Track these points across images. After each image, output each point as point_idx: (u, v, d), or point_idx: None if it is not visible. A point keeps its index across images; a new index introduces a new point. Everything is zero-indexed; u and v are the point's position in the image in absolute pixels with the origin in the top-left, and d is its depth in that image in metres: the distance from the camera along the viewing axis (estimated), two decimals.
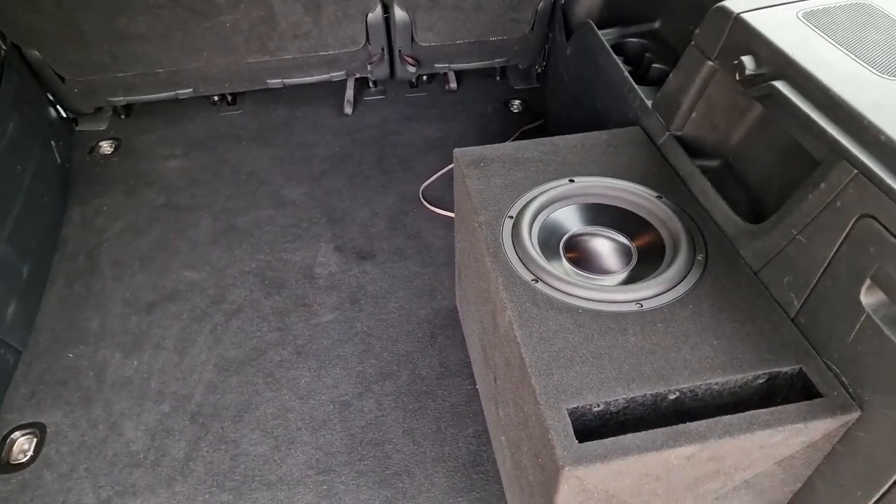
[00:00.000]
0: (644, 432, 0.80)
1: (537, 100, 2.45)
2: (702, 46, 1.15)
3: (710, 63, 1.14)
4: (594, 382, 0.86)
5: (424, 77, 2.55)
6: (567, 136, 1.32)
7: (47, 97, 2.12)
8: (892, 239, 0.75)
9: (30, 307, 1.62)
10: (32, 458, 1.34)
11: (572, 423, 0.81)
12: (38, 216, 1.78)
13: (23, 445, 1.37)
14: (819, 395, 0.84)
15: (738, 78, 1.02)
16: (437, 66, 2.40)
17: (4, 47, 1.91)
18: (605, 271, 1.08)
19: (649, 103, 1.36)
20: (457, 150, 1.29)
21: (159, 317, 1.64)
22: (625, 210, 1.16)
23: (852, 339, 0.82)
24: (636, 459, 0.78)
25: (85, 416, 1.42)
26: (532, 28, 2.31)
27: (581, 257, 1.11)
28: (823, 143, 0.87)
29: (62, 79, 2.08)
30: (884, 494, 0.80)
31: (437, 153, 2.20)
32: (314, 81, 2.36)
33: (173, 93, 2.25)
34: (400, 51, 2.31)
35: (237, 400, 1.45)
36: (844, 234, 0.83)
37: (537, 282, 1.01)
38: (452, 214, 1.95)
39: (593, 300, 0.98)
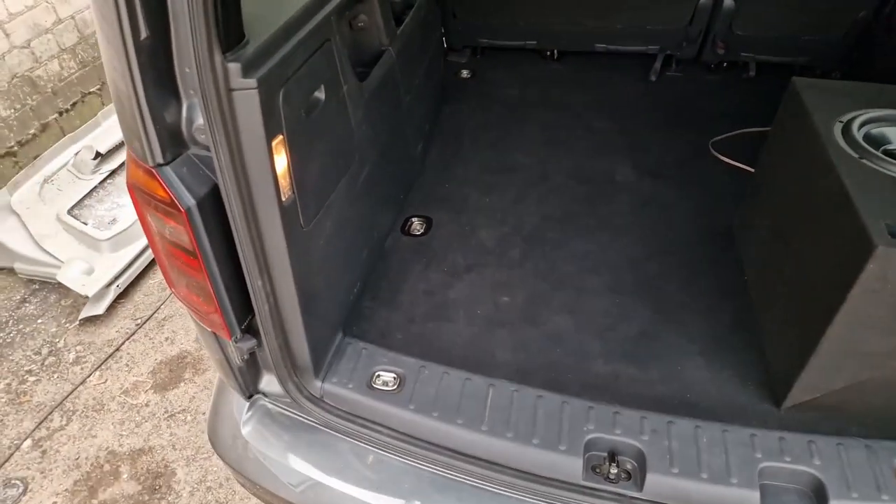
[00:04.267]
0: None
1: None
2: None
3: None
4: None
5: (724, 63, 2.77)
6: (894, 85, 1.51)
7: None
8: None
9: (426, 151, 2.26)
10: (424, 233, 1.93)
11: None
12: (435, 102, 2.44)
13: (417, 225, 1.97)
14: None
15: None
16: (742, 53, 2.62)
17: None
18: None
19: None
20: (795, 77, 1.56)
21: (502, 179, 2.16)
22: None
23: None
24: None
25: (456, 220, 1.98)
26: (846, 34, 2.42)
27: None
28: None
29: (454, 15, 2.74)
30: None
31: (725, 123, 2.42)
32: (629, 51, 2.74)
33: (522, 42, 2.81)
34: (715, 35, 2.58)
35: (554, 239, 1.89)
36: None
37: (862, 157, 1.25)
38: (739, 164, 2.19)
39: None
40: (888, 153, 1.33)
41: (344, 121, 1.40)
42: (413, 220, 1.99)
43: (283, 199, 1.13)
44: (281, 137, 1.10)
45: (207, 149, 1.03)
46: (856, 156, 1.26)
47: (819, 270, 1.23)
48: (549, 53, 2.93)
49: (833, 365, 1.21)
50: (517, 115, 2.53)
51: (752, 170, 2.14)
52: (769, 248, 1.55)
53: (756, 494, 1.16)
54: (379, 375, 1.42)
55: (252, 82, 0.98)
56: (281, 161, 1.12)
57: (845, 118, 1.39)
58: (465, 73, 2.87)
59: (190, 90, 1.00)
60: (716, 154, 2.25)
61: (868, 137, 1.35)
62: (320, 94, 1.26)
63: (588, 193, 2.08)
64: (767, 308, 1.51)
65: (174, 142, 1.03)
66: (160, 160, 1.02)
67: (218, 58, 0.93)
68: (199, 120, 1.02)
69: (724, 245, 1.83)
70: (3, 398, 2.57)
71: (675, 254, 1.81)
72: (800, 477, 1.19)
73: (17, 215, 3.01)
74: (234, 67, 0.96)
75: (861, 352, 1.17)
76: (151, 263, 3.12)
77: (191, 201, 1.04)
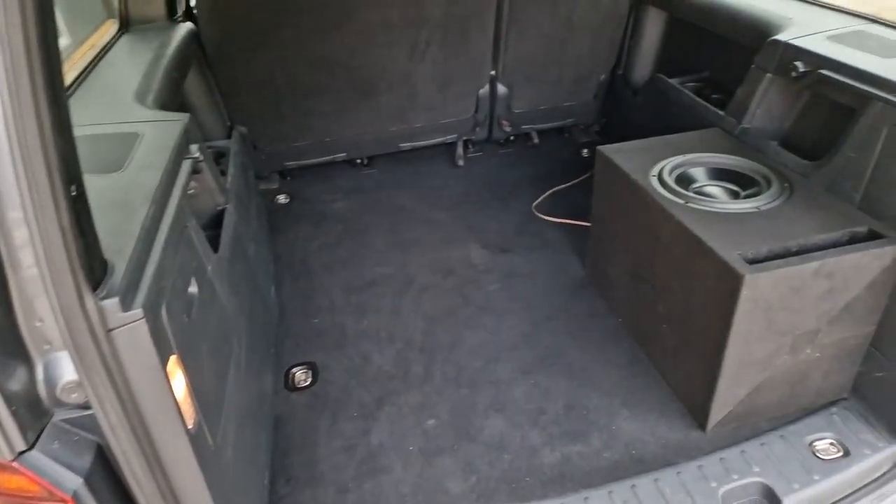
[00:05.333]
0: (785, 258, 1.26)
1: None
2: (761, 66, 1.72)
3: (768, 75, 1.71)
4: (747, 242, 1.33)
5: (512, 137, 3.15)
6: (671, 135, 1.86)
7: None
8: None
9: (277, 292, 2.09)
10: (313, 382, 1.75)
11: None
12: (269, 238, 2.30)
13: (301, 376, 1.78)
14: (883, 237, 1.30)
15: (793, 76, 1.58)
16: (524, 127, 3.01)
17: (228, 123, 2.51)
18: None
19: (721, 113, 1.92)
20: (599, 147, 1.82)
21: (370, 295, 2.10)
22: (728, 169, 1.67)
23: None
24: (783, 272, 1.23)
25: (342, 355, 1.84)
26: (595, 95, 2.95)
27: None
28: (858, 95, 1.40)
29: (255, 147, 2.66)
30: None
31: (535, 186, 2.73)
32: (433, 144, 2.95)
33: (331, 157, 2.84)
34: (499, 117, 2.92)
35: (447, 339, 1.88)
36: (881, 143, 1.33)
37: (688, 202, 1.50)
38: (564, 220, 2.46)
39: (728, 209, 1.46)
40: (698, 192, 1.62)
41: (217, 303, 1.23)
42: (294, 370, 1.80)
43: (190, 425, 0.93)
44: (174, 357, 0.91)
45: (83, 406, 0.81)
46: (682, 202, 1.51)
47: (696, 304, 1.42)
48: (359, 161, 3.00)
49: (735, 379, 1.39)
50: (354, 227, 2.51)
51: (577, 222, 2.44)
52: (636, 292, 1.74)
53: None
54: None
55: (137, 313, 0.80)
56: (179, 384, 0.92)
57: (655, 171, 1.66)
58: (282, 199, 2.77)
59: (44, 345, 0.78)
60: (541, 216, 2.50)
61: (679, 182, 1.63)
62: (193, 289, 1.09)
63: (456, 284, 2.13)
64: (655, 345, 1.68)
65: (33, 415, 0.79)
66: (22, 447, 0.76)
67: (90, 301, 0.75)
68: (67, 376, 0.80)
69: (589, 295, 2.02)
70: None
71: (556, 318, 1.93)
72: (751, 488, 1.32)
73: None
74: (110, 305, 0.78)
75: (751, 361, 1.37)
76: None
77: (76, 481, 0.79)
